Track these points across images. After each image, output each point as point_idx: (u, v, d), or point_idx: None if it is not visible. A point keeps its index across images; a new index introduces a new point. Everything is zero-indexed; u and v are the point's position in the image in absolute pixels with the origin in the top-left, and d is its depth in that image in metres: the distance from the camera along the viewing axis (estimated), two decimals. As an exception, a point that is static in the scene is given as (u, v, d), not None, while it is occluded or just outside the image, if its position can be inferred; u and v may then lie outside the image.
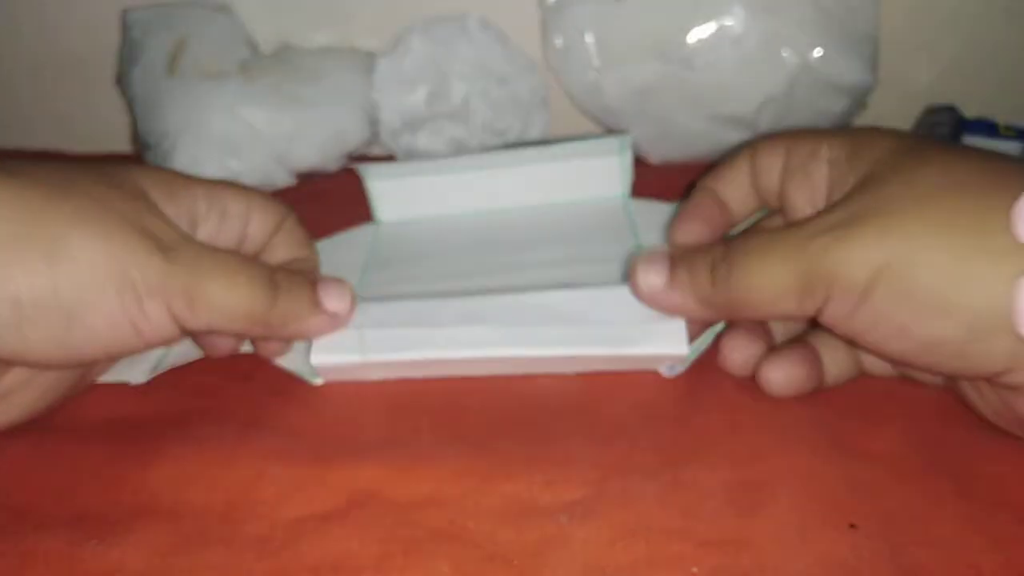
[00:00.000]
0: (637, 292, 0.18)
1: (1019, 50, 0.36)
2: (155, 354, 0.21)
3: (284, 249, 0.21)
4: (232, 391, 0.20)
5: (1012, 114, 0.33)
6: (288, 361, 0.21)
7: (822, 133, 0.18)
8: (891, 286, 0.14)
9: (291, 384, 0.21)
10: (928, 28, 0.36)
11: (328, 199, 0.32)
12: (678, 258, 0.18)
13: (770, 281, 0.15)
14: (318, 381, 0.20)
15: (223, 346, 0.20)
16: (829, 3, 0.32)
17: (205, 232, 0.19)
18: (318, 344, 0.19)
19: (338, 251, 0.27)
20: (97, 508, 0.17)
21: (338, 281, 0.19)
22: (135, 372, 0.21)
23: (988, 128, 0.32)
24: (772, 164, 0.19)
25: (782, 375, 0.18)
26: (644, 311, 0.19)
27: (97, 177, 0.17)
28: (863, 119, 0.35)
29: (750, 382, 0.19)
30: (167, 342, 0.18)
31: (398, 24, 0.36)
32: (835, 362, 0.19)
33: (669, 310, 0.18)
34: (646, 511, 0.16)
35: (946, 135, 0.32)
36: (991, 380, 0.15)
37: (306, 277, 0.19)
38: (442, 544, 0.15)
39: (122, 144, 0.39)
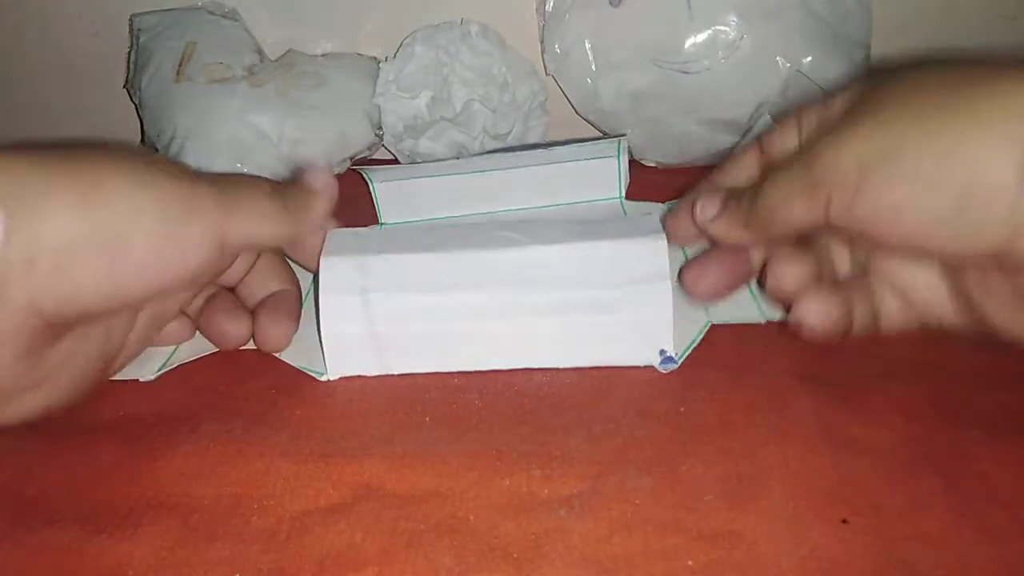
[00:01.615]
0: (696, 220, 0.20)
1: (1007, 58, 0.37)
2: (163, 352, 0.22)
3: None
4: (239, 389, 0.21)
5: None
6: (296, 358, 0.21)
7: (829, 95, 0.19)
8: (879, 172, 0.15)
9: (297, 382, 0.21)
10: (920, 35, 0.37)
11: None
12: (728, 196, 0.20)
13: (784, 194, 0.17)
14: (324, 377, 0.21)
15: (235, 335, 0.21)
16: (822, 10, 0.32)
17: None
18: (326, 312, 0.20)
19: (344, 240, 0.27)
20: (107, 502, 0.17)
21: (317, 168, 0.21)
22: (144, 369, 0.21)
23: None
24: (789, 137, 0.20)
25: (820, 307, 0.18)
26: (632, 273, 0.20)
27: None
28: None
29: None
30: (212, 271, 0.18)
31: (401, 31, 0.36)
32: (860, 313, 0.19)
33: (717, 235, 0.20)
34: (642, 505, 0.16)
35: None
36: (1000, 264, 0.15)
37: (297, 182, 0.21)
38: (444, 537, 0.16)
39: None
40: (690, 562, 0.15)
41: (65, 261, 0.15)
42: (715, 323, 0.22)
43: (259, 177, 0.20)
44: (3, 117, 0.41)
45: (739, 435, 0.18)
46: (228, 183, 0.18)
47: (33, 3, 0.38)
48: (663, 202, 0.28)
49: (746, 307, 0.22)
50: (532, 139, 0.36)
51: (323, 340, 0.20)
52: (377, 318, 0.20)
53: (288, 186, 0.20)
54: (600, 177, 0.29)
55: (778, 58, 0.32)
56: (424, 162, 0.34)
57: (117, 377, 0.21)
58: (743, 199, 0.19)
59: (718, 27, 0.32)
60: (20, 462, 0.18)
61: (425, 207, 0.29)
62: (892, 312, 0.19)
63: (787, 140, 0.20)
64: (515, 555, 0.15)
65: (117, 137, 0.39)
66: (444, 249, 0.21)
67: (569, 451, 0.18)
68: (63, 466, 0.18)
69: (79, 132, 0.40)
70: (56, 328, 0.16)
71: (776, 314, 0.22)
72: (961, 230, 0.14)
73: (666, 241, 0.20)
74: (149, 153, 0.20)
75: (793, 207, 0.17)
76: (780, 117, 0.21)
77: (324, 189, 0.21)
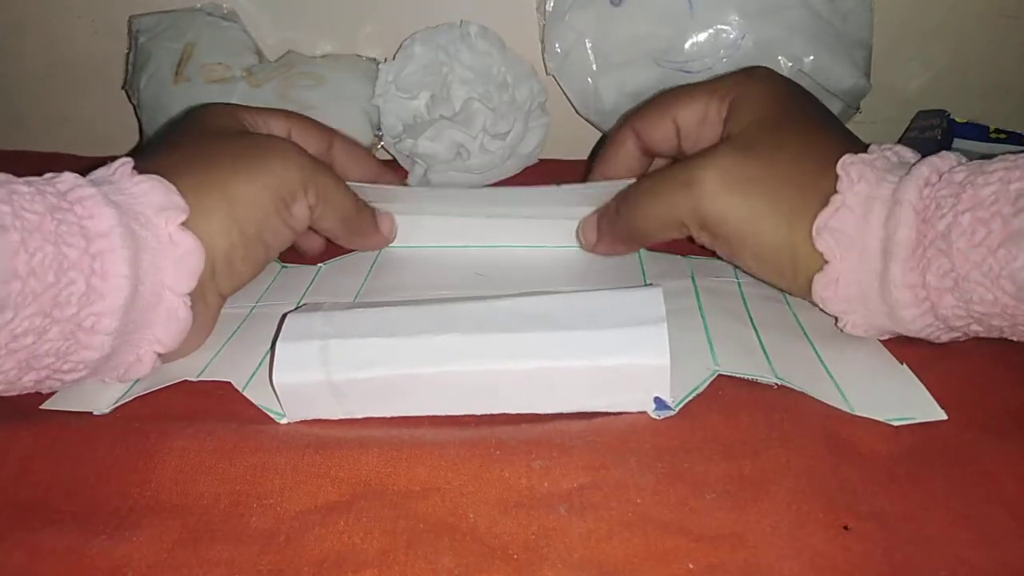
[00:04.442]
0: (585, 248, 0.26)
1: (1007, 57, 0.37)
2: (120, 386, 0.20)
3: (342, 165, 0.27)
4: (235, 392, 0.20)
5: (1000, 118, 0.33)
6: (256, 396, 0.20)
7: (705, 94, 0.24)
8: (743, 238, 0.21)
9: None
10: (920, 35, 0.37)
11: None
12: (599, 216, 0.26)
13: (654, 223, 0.23)
14: (283, 421, 0.19)
15: (315, 246, 0.27)
16: (824, 10, 0.32)
17: None
18: (281, 359, 0.18)
19: (340, 275, 0.26)
20: (105, 503, 0.17)
21: (387, 214, 0.28)
22: (99, 403, 0.20)
23: (979, 131, 0.32)
24: (663, 134, 0.25)
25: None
26: (622, 316, 0.18)
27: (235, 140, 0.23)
28: (857, 122, 0.36)
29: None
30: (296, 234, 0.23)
31: (401, 32, 0.36)
32: None
33: (603, 254, 0.26)
34: (643, 503, 0.16)
35: (937, 138, 0.33)
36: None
37: (371, 216, 0.27)
38: (443, 536, 0.16)
39: (130, 148, 0.40)
40: (691, 565, 0.15)
41: (229, 263, 0.21)
42: (722, 373, 0.19)
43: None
44: (2, 117, 0.41)
45: (742, 433, 0.18)
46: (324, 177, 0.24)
47: (32, 3, 0.38)
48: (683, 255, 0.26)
49: (758, 363, 0.20)
50: (533, 140, 0.36)
51: (276, 390, 0.19)
52: (335, 365, 0.18)
53: (364, 210, 0.26)
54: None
55: (780, 57, 0.32)
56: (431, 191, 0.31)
57: (68, 409, 0.20)
58: (610, 219, 0.25)
59: (720, 26, 0.32)
60: (16, 464, 0.18)
61: (424, 239, 0.28)
62: None
63: (664, 132, 0.24)
64: (515, 556, 0.15)
65: (116, 138, 0.39)
66: (416, 311, 0.19)
67: (570, 441, 0.18)
68: (60, 468, 0.18)
69: (78, 132, 0.41)
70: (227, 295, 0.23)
71: (790, 378, 0.19)
72: (773, 278, 0.22)
73: (664, 314, 0.18)
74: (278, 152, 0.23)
75: (663, 231, 0.23)
76: (650, 102, 0.25)
77: (387, 236, 0.28)
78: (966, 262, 0.17)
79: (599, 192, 0.25)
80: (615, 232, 0.25)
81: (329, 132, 0.26)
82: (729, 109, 0.23)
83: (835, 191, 0.19)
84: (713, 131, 0.23)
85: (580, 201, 0.26)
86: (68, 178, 0.18)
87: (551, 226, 0.27)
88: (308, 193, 0.22)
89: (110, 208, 0.18)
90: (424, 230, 0.28)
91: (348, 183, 0.25)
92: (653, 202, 0.22)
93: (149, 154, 0.21)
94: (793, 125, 0.22)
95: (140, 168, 0.20)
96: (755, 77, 0.23)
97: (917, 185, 0.18)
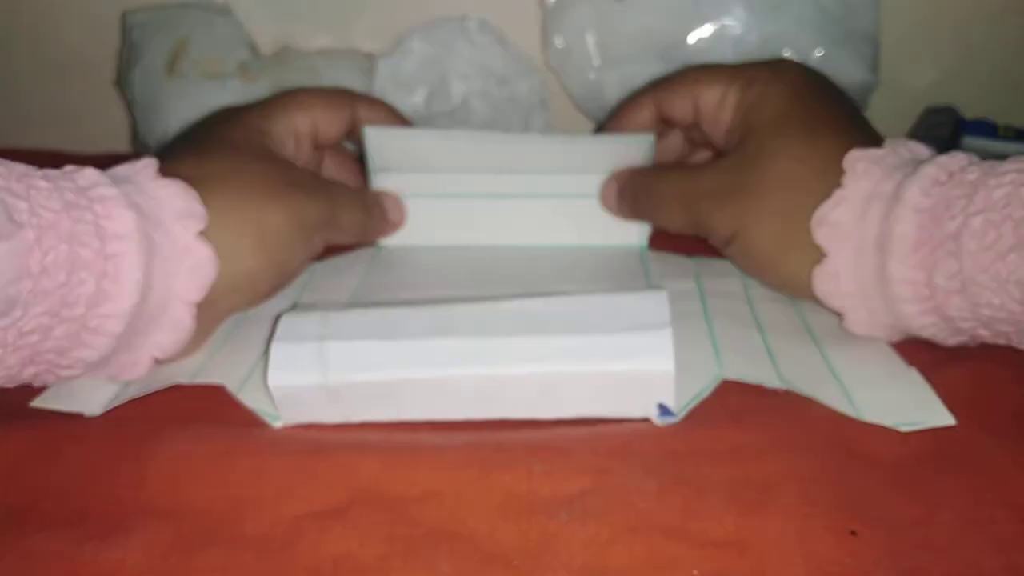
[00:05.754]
0: (603, 205, 0.27)
1: (1017, 54, 0.37)
2: (112, 388, 0.20)
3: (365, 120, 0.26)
4: (227, 396, 0.20)
5: (1009, 115, 0.33)
6: (249, 399, 0.19)
7: (726, 79, 0.24)
8: (740, 246, 0.22)
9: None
10: (928, 30, 0.36)
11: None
12: (622, 186, 0.27)
13: (672, 219, 0.25)
14: (278, 424, 0.19)
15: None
16: (830, 3, 0.32)
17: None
18: (276, 361, 0.18)
19: (335, 274, 0.26)
20: (97, 508, 0.17)
21: (392, 196, 0.27)
22: (91, 403, 0.19)
23: (987, 128, 0.32)
24: (682, 111, 0.25)
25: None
26: (626, 321, 0.18)
27: (248, 158, 0.22)
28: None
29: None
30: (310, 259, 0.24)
31: (397, 26, 0.36)
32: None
33: (617, 216, 0.27)
34: (646, 508, 0.16)
35: (945, 136, 0.32)
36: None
37: (377, 196, 0.27)
38: (442, 543, 0.15)
39: (122, 144, 0.39)
40: (695, 572, 0.15)
41: (252, 282, 0.21)
42: (727, 379, 0.19)
43: (356, 190, 0.27)
44: (-3, 114, 0.41)
45: (747, 437, 0.18)
46: (337, 192, 0.25)
47: (24, 0, 0.37)
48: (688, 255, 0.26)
49: (763, 368, 0.20)
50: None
51: (271, 392, 0.18)
52: (331, 367, 0.18)
53: (372, 211, 0.26)
54: (628, 159, 0.26)
55: (785, 52, 0.32)
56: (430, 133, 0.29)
57: (59, 408, 0.19)
58: (633, 196, 0.26)
59: (724, 20, 0.32)
60: (8, 468, 0.18)
61: (421, 161, 0.26)
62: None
63: (684, 109, 0.25)
64: (515, 563, 0.15)
65: (108, 134, 0.39)
66: (415, 314, 0.18)
67: (571, 445, 0.17)
68: (52, 471, 0.18)
69: (70, 128, 0.40)
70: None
71: (795, 383, 0.19)
72: (785, 291, 0.23)
73: (668, 313, 0.18)
74: (276, 165, 0.23)
75: (679, 227, 0.25)
76: (674, 77, 0.25)
77: (396, 223, 0.28)
78: (975, 265, 0.17)
79: (615, 147, 0.26)
80: (635, 213, 0.26)
81: (351, 103, 0.26)
82: (749, 105, 0.23)
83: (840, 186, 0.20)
84: (727, 115, 0.24)
85: (596, 161, 0.27)
86: (90, 174, 0.18)
87: (552, 217, 0.27)
88: (328, 229, 0.24)
89: (130, 211, 0.17)
90: (420, 227, 0.27)
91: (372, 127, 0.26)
92: (675, 207, 0.24)
93: (176, 158, 0.21)
94: (816, 131, 0.21)
95: (166, 171, 0.19)
96: (779, 76, 0.23)
97: (922, 185, 0.18)
